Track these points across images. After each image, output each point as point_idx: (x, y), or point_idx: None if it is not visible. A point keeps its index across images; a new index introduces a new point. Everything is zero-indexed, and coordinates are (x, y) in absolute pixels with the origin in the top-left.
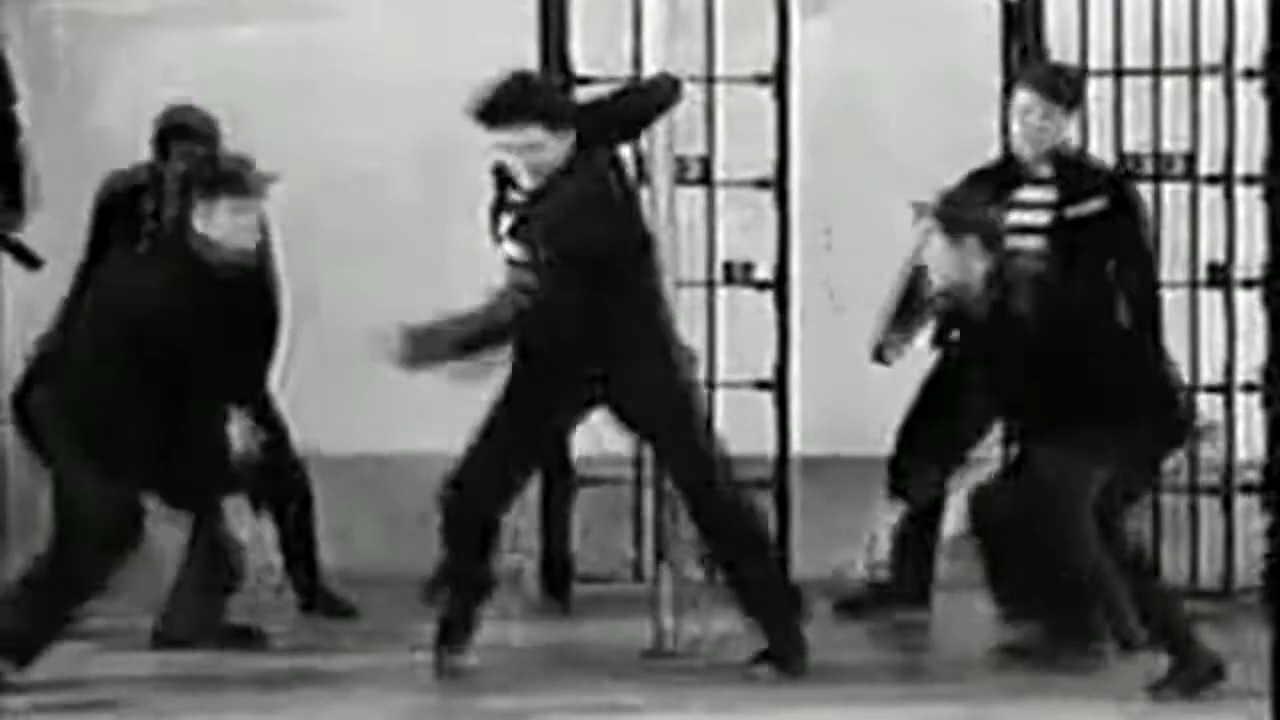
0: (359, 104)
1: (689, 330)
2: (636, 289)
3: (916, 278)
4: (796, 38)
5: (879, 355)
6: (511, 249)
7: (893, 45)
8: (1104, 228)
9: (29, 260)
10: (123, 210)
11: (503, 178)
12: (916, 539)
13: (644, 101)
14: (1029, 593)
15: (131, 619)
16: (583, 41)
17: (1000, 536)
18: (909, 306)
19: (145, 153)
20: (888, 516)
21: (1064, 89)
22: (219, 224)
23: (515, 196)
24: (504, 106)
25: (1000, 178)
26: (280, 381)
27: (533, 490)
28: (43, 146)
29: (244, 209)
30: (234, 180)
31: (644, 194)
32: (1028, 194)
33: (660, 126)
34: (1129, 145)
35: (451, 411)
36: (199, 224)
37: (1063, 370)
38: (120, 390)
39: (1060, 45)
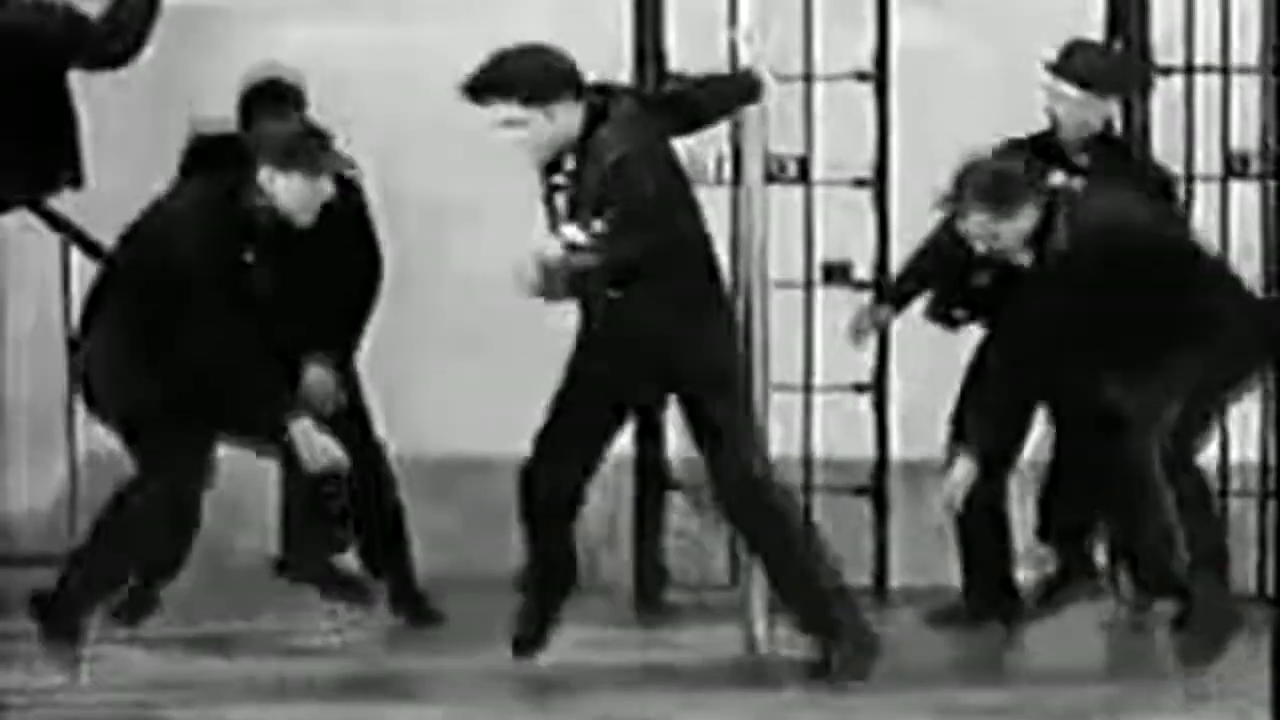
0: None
1: (786, 332)
2: (697, 258)
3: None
4: (897, 34)
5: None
6: (569, 232)
7: (996, 42)
8: None
9: (93, 250)
10: (205, 156)
11: (548, 164)
12: (988, 546)
13: (723, 94)
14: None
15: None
16: (677, 36)
17: None
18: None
19: None
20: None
21: (1104, 77)
22: (285, 193)
23: (559, 180)
24: (481, 84)
25: (1037, 151)
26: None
27: (626, 494)
28: (140, 140)
29: (312, 186)
30: (308, 156)
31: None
32: (1059, 178)
33: (752, 123)
34: (1235, 143)
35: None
36: (266, 186)
37: (1134, 293)
38: (161, 320)
39: (1165, 41)
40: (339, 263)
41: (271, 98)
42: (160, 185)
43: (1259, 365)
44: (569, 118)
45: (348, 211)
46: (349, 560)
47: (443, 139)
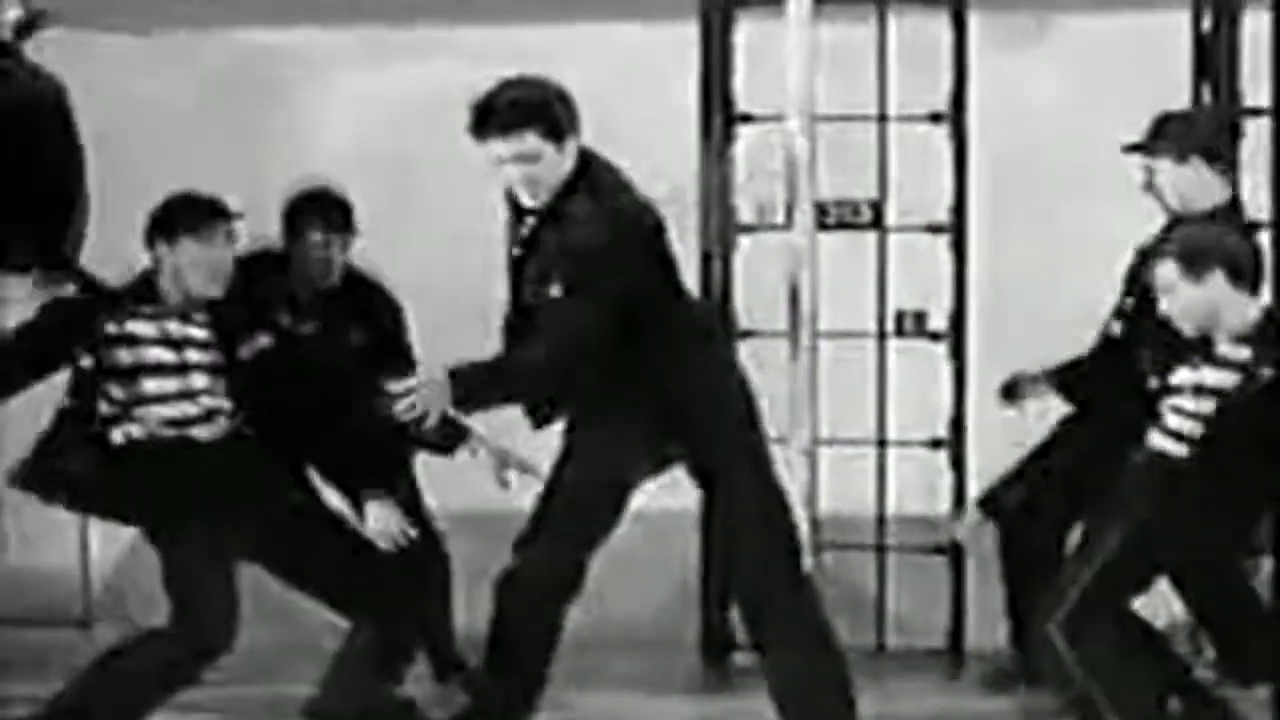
0: None
1: (860, 383)
2: (681, 323)
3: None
4: (975, 74)
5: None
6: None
7: (1079, 81)
8: None
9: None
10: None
11: (515, 203)
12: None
13: None
14: None
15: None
16: (746, 78)
17: None
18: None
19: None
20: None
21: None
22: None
23: (531, 222)
24: (499, 111)
25: None
26: None
27: (692, 553)
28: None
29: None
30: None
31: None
32: None
33: (802, 167)
34: None
35: None
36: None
37: None
38: None
39: (1254, 83)
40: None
41: (320, 211)
42: None
43: None
44: (571, 160)
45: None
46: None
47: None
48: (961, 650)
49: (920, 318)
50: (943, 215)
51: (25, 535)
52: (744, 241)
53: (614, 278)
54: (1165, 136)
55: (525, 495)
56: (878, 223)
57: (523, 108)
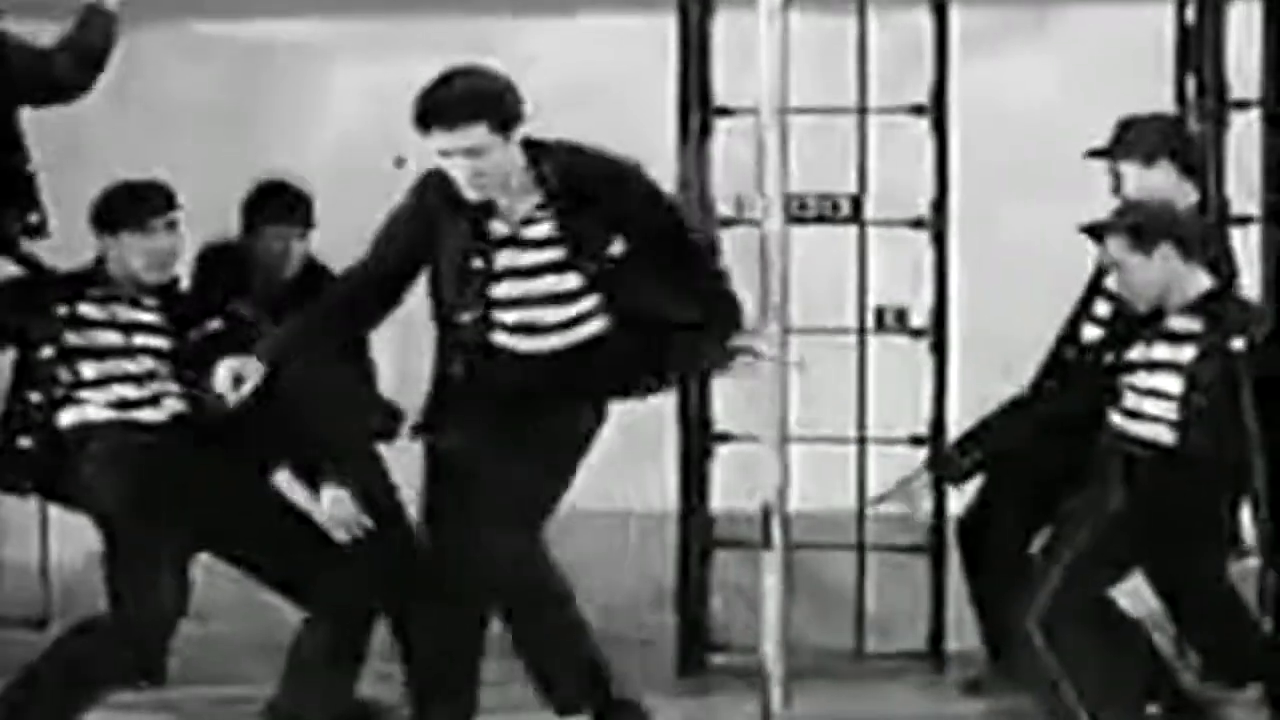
0: None
1: (838, 380)
2: None
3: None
4: (956, 66)
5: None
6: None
7: (1063, 74)
8: None
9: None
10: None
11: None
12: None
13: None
14: None
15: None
16: (724, 71)
17: None
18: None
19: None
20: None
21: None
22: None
23: (499, 228)
24: (447, 103)
25: None
26: None
27: (669, 551)
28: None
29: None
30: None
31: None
32: None
33: (771, 161)
34: None
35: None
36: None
37: None
38: None
39: (1241, 76)
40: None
41: (278, 206)
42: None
43: None
44: (517, 150)
45: None
46: None
47: None
48: (942, 651)
49: (901, 314)
50: (924, 210)
51: None
52: (722, 235)
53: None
54: (1131, 141)
55: None
56: (857, 217)
57: (472, 100)
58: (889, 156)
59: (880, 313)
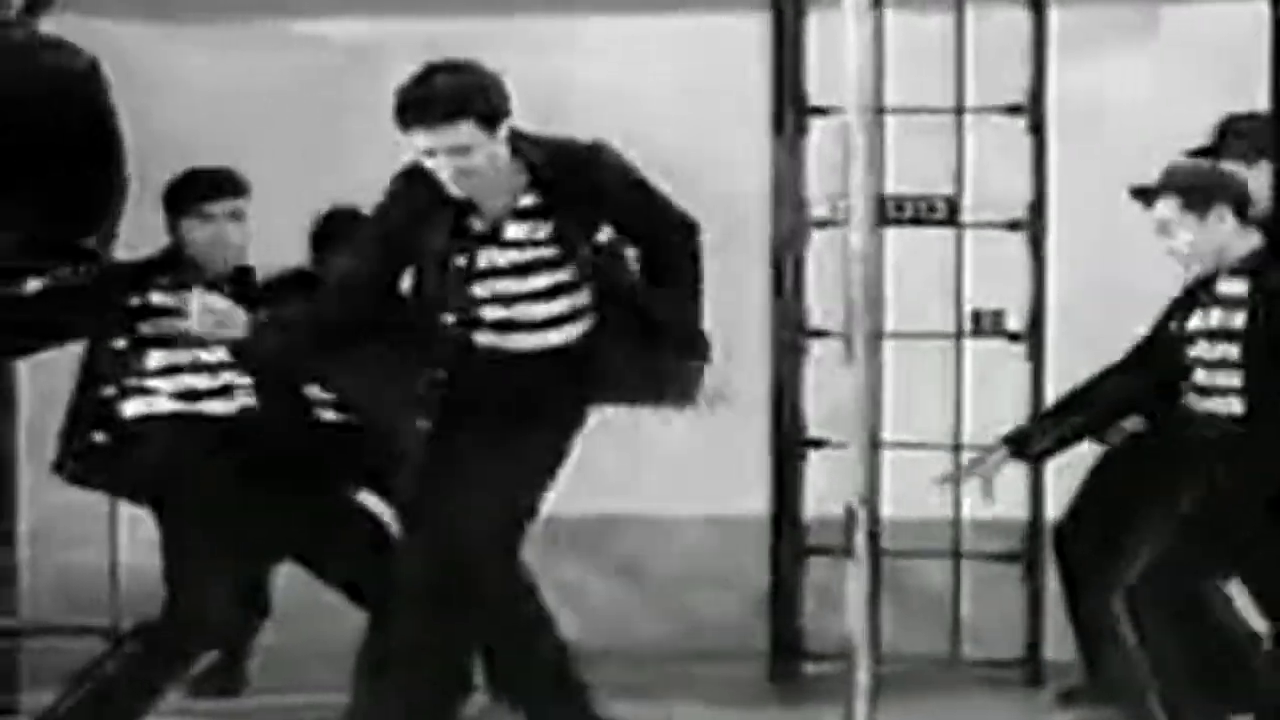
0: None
1: (934, 384)
2: None
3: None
4: (1054, 65)
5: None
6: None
7: (1162, 73)
8: None
9: None
10: None
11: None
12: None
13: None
14: None
15: None
16: (819, 70)
17: None
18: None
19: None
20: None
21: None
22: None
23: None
24: (430, 101)
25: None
26: None
27: (762, 558)
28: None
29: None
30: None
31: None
32: None
33: (859, 161)
34: None
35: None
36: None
37: None
38: None
39: None
40: None
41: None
42: None
43: None
44: (503, 147)
45: None
46: None
47: None
48: (1039, 660)
49: (997, 317)
50: (1021, 212)
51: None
52: (817, 237)
53: None
54: (1232, 140)
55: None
56: (953, 219)
57: (457, 96)
58: (986, 157)
59: (976, 316)
